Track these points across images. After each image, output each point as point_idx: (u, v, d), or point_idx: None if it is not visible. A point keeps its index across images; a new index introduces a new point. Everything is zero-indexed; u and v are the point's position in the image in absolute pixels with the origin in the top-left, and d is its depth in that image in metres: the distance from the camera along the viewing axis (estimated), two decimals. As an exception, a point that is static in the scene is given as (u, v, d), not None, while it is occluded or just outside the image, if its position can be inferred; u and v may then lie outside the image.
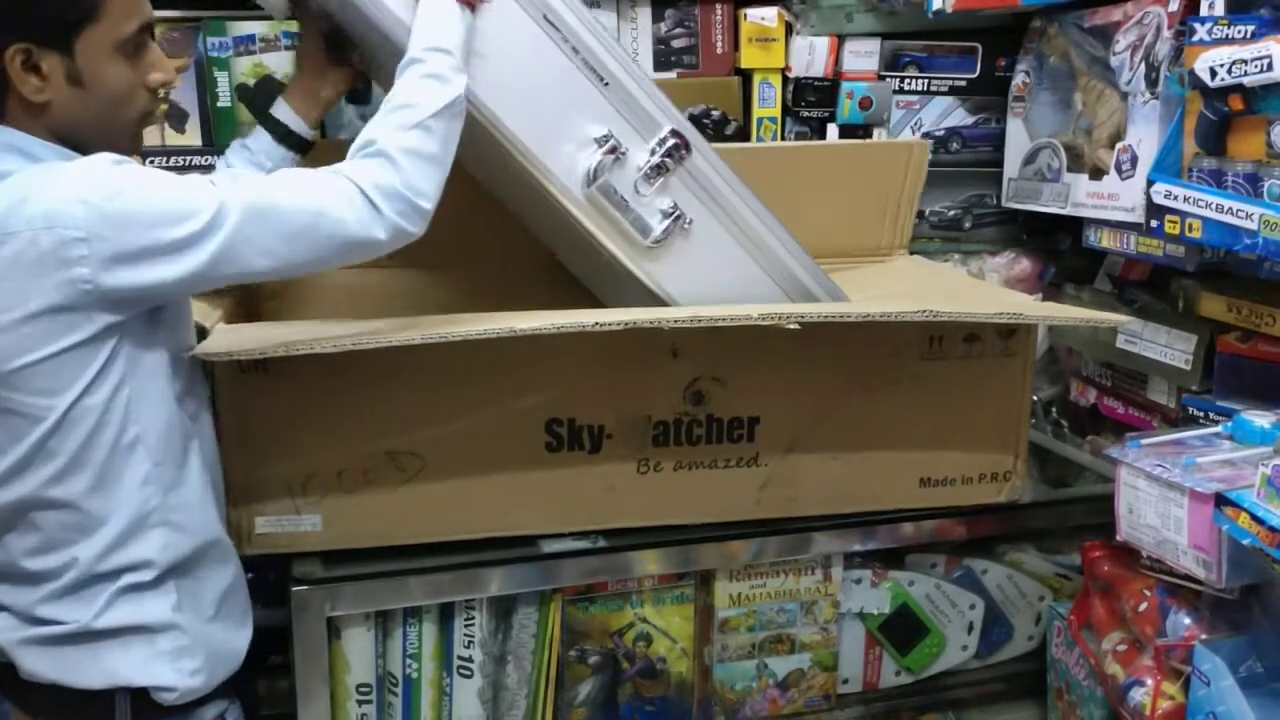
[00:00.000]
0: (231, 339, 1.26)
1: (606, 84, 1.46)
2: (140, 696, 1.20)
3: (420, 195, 1.22)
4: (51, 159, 1.14)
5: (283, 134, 1.53)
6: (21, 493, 1.14)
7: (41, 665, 1.19)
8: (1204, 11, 1.51)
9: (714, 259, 1.55)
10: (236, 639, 1.30)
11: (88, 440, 1.14)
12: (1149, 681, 1.44)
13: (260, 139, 1.53)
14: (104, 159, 1.12)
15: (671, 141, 1.50)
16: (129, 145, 1.22)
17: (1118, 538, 1.48)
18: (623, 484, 1.51)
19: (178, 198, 1.12)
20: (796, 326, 1.38)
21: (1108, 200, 1.76)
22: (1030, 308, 1.54)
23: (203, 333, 1.31)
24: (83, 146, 1.16)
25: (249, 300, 1.61)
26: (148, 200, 1.10)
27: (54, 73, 1.13)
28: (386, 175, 1.20)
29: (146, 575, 1.19)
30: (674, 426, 1.51)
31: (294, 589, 1.40)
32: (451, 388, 1.41)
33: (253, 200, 1.15)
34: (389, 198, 1.20)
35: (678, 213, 1.49)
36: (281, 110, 1.53)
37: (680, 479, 1.53)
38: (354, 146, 1.24)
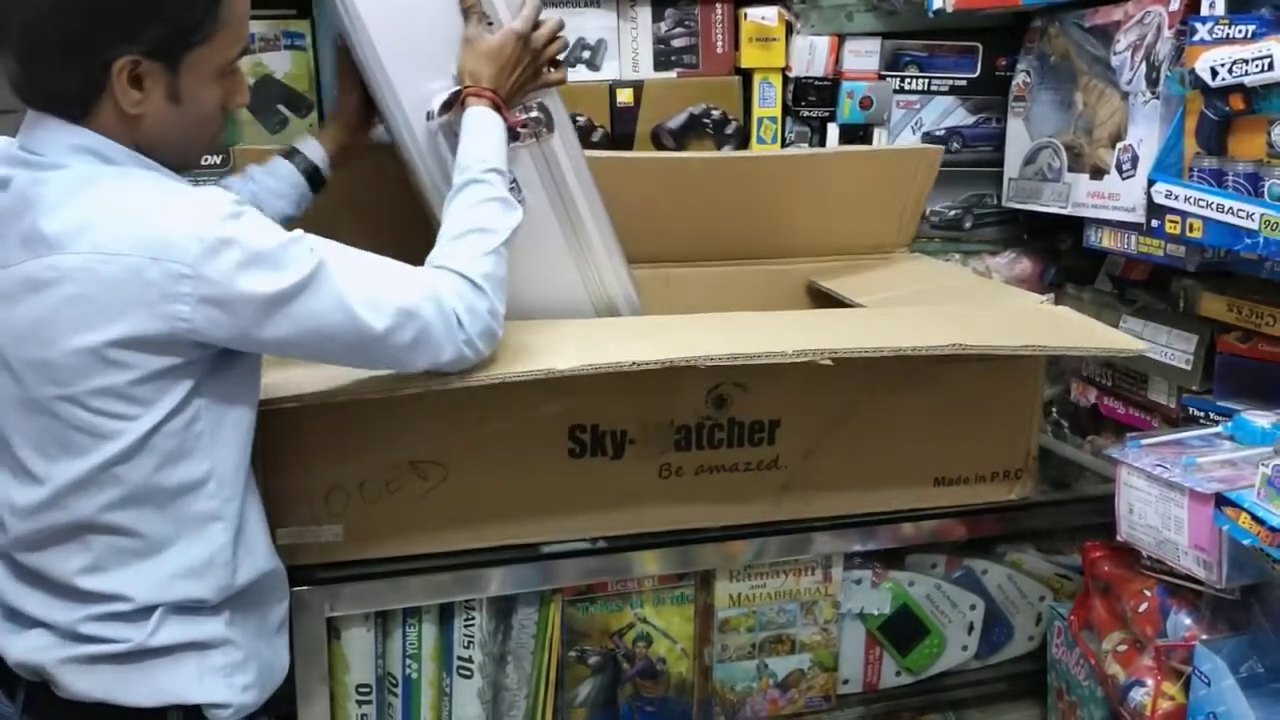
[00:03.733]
0: (272, 388, 1.26)
1: (490, 24, 1.43)
2: (193, 714, 1.16)
3: (499, 320, 1.25)
4: (128, 164, 1.11)
5: (305, 167, 1.52)
6: (78, 514, 1.11)
7: (88, 684, 1.14)
8: (1205, 11, 1.50)
9: (534, 249, 1.50)
10: (281, 654, 1.28)
11: (159, 469, 1.10)
12: (1149, 682, 1.44)
13: (278, 166, 1.51)
14: (225, 200, 1.09)
15: (535, 114, 1.47)
16: (197, 160, 1.23)
17: (1118, 538, 1.48)
18: (645, 489, 1.51)
19: (284, 254, 1.10)
20: (830, 363, 1.38)
21: (1108, 200, 1.75)
22: (1053, 337, 1.53)
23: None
24: (159, 157, 1.14)
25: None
26: (257, 252, 1.08)
27: (155, 88, 1.10)
28: (476, 299, 1.22)
29: (203, 606, 1.16)
30: (696, 430, 1.51)
31: (294, 589, 1.40)
32: (474, 396, 1.40)
33: (349, 276, 1.14)
34: (475, 318, 1.22)
35: (513, 187, 1.45)
36: (308, 146, 1.53)
37: (701, 483, 1.53)
38: (432, 262, 1.25)
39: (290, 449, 1.38)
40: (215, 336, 1.09)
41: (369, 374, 1.27)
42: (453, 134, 1.42)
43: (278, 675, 1.26)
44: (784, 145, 1.99)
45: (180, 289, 1.05)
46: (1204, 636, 1.39)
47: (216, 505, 1.15)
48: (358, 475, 1.41)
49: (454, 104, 1.42)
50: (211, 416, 1.13)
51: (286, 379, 1.28)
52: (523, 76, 1.43)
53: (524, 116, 1.46)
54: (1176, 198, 1.52)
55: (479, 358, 1.24)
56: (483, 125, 1.37)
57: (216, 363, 1.13)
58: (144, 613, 1.13)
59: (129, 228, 1.05)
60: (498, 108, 1.39)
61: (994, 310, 1.69)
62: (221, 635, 1.17)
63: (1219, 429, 1.50)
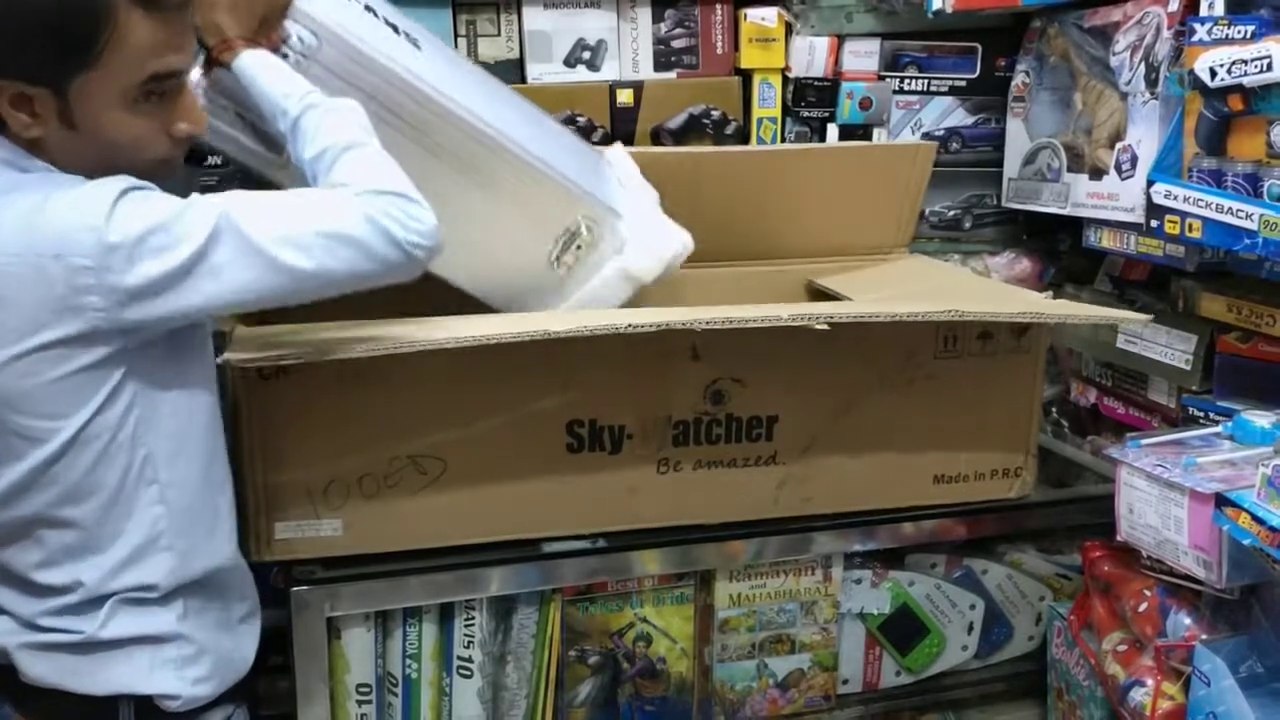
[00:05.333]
0: (258, 345, 1.25)
1: None
2: (144, 704, 1.18)
3: (430, 213, 1.18)
4: (45, 173, 1.09)
5: None
6: (26, 511, 1.13)
7: (43, 670, 1.17)
8: (1204, 12, 1.50)
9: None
10: (245, 646, 1.28)
11: (96, 463, 1.11)
12: (1149, 682, 1.44)
13: None
14: (113, 185, 1.07)
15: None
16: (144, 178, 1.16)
17: (1118, 538, 1.48)
18: (643, 484, 1.51)
19: (178, 224, 1.07)
20: (826, 328, 1.37)
21: (1108, 200, 1.76)
22: (1048, 306, 1.55)
23: (219, 337, 1.29)
24: (88, 176, 1.10)
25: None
26: (151, 229, 1.06)
27: (46, 112, 1.08)
28: (402, 203, 1.15)
29: (152, 594, 1.17)
30: (694, 426, 1.51)
31: (294, 589, 1.40)
32: (474, 390, 1.41)
33: (259, 220, 1.10)
34: (412, 219, 1.15)
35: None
36: None
37: (700, 479, 1.53)
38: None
39: (289, 443, 1.38)
40: (135, 320, 1.07)
41: (376, 335, 1.24)
42: (217, 96, 1.32)
43: (239, 666, 1.27)
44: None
45: (86, 281, 1.04)
46: (1204, 636, 1.39)
47: (156, 491, 1.15)
48: (356, 469, 1.41)
49: (209, 68, 1.30)
50: (146, 404, 1.13)
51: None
52: (261, 6, 1.29)
53: (279, 42, 1.31)
54: (1176, 198, 1.52)
55: (429, 256, 1.17)
56: (261, 66, 1.27)
57: (146, 351, 1.12)
58: (94, 604, 1.15)
59: (27, 227, 1.05)
60: (255, 48, 1.28)
61: (992, 294, 1.69)
62: (173, 629, 1.19)
63: (1219, 429, 1.50)
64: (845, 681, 1.71)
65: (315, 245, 1.11)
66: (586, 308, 1.51)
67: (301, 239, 1.11)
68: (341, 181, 1.17)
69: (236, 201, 1.12)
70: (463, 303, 1.50)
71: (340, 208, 1.13)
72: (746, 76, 1.96)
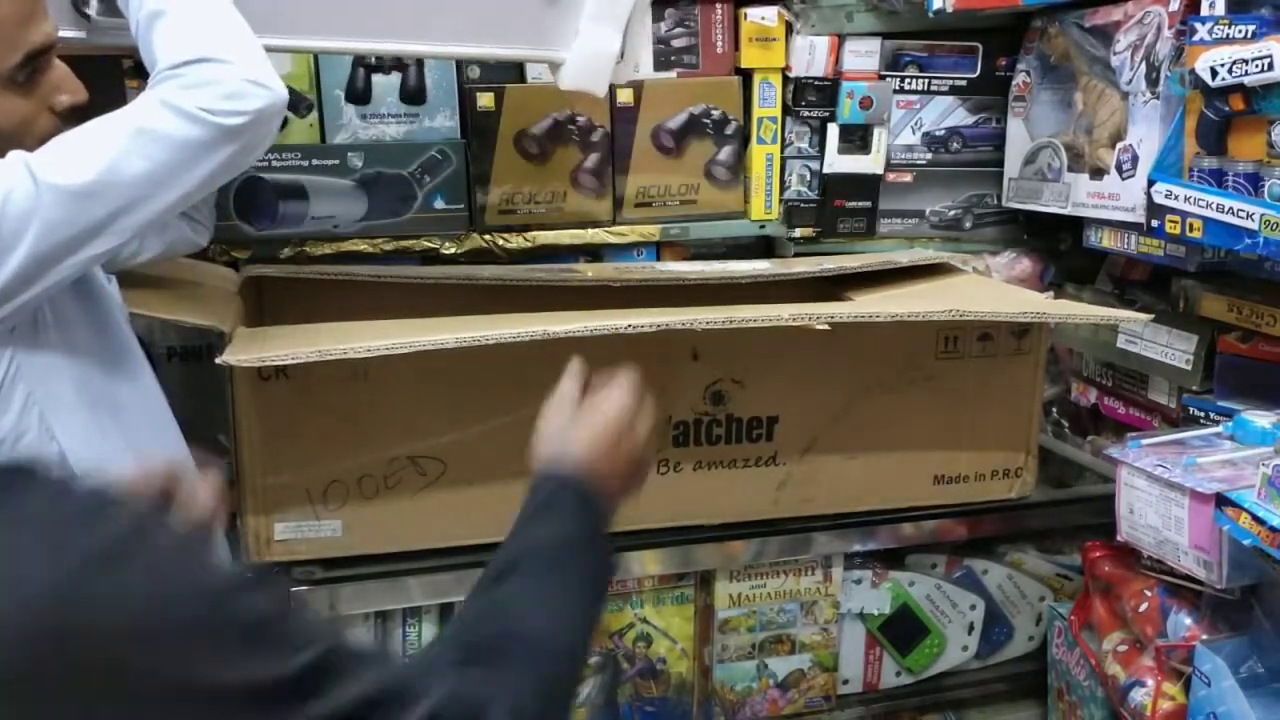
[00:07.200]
0: (258, 346, 1.25)
1: None
2: None
3: (250, 63, 1.10)
4: None
5: None
6: None
7: None
8: (1205, 11, 1.50)
9: None
10: None
11: None
12: (1150, 682, 1.44)
13: None
14: None
15: None
16: None
17: (1118, 538, 1.48)
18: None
19: None
20: (826, 327, 1.37)
21: (1108, 200, 1.75)
22: (1050, 306, 1.55)
23: (207, 335, 1.29)
24: None
25: (257, 302, 1.60)
26: None
27: None
28: (199, 74, 1.08)
29: None
30: (694, 426, 1.51)
31: (294, 589, 1.40)
32: (473, 390, 1.42)
33: (48, 158, 1.04)
34: (214, 87, 1.07)
35: None
36: None
37: (700, 479, 1.53)
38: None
39: (289, 444, 1.38)
40: None
41: (377, 336, 1.24)
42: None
43: None
44: (784, 147, 1.98)
45: None
46: (1204, 636, 1.39)
47: None
48: (356, 470, 1.41)
49: None
50: (47, 398, 1.09)
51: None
52: None
53: None
54: (1176, 198, 1.52)
55: (258, 115, 1.10)
56: None
57: (33, 343, 1.08)
58: None
59: None
60: None
61: (994, 294, 1.68)
62: None
63: (1219, 429, 1.50)
64: (845, 682, 1.71)
65: (110, 155, 1.04)
66: (605, 12, 1.43)
67: (96, 157, 1.04)
68: (153, 62, 1.11)
69: (41, 150, 1.06)
70: (467, 302, 1.50)
71: (133, 107, 1.07)
72: (747, 76, 1.96)
